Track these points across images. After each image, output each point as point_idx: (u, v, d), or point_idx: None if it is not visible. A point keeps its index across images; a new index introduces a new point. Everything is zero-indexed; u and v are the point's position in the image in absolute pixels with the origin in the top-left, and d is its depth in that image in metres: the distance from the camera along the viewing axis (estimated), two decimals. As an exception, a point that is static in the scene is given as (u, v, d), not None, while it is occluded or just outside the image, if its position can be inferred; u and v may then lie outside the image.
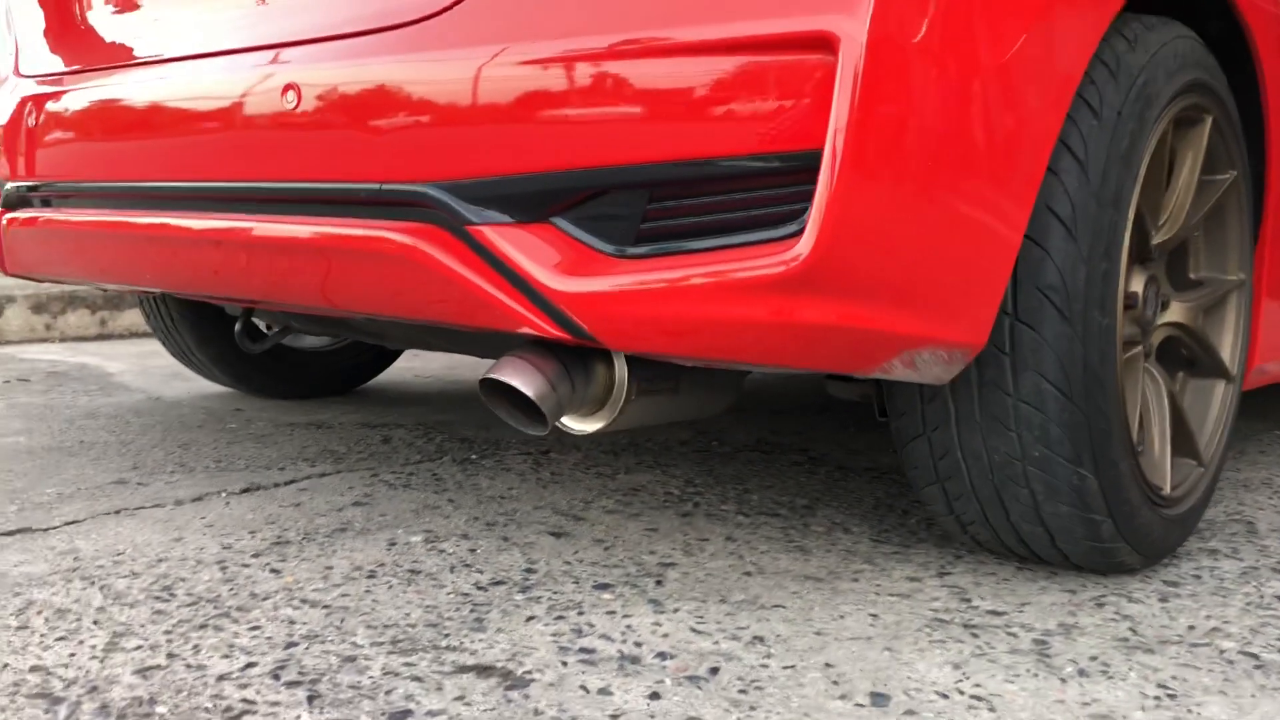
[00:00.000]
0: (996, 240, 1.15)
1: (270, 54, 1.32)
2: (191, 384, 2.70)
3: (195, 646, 1.13)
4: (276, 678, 1.06)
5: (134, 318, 3.68)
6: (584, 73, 1.10)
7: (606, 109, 1.09)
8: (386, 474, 1.84)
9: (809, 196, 1.04)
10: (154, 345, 3.42)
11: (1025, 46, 1.13)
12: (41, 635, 1.15)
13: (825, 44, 1.01)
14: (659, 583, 1.34)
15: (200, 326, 2.35)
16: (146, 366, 2.97)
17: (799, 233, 1.05)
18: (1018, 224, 1.16)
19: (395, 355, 2.73)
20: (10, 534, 1.49)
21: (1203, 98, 1.43)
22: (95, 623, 1.19)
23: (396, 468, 1.89)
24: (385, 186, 1.21)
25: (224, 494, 1.70)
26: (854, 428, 2.33)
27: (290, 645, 1.14)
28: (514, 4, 1.15)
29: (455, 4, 1.17)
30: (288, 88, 1.27)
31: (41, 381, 2.70)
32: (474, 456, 1.98)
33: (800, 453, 2.09)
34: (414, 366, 3.09)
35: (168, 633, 1.17)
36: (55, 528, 1.52)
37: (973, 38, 1.08)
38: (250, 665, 1.09)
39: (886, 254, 1.07)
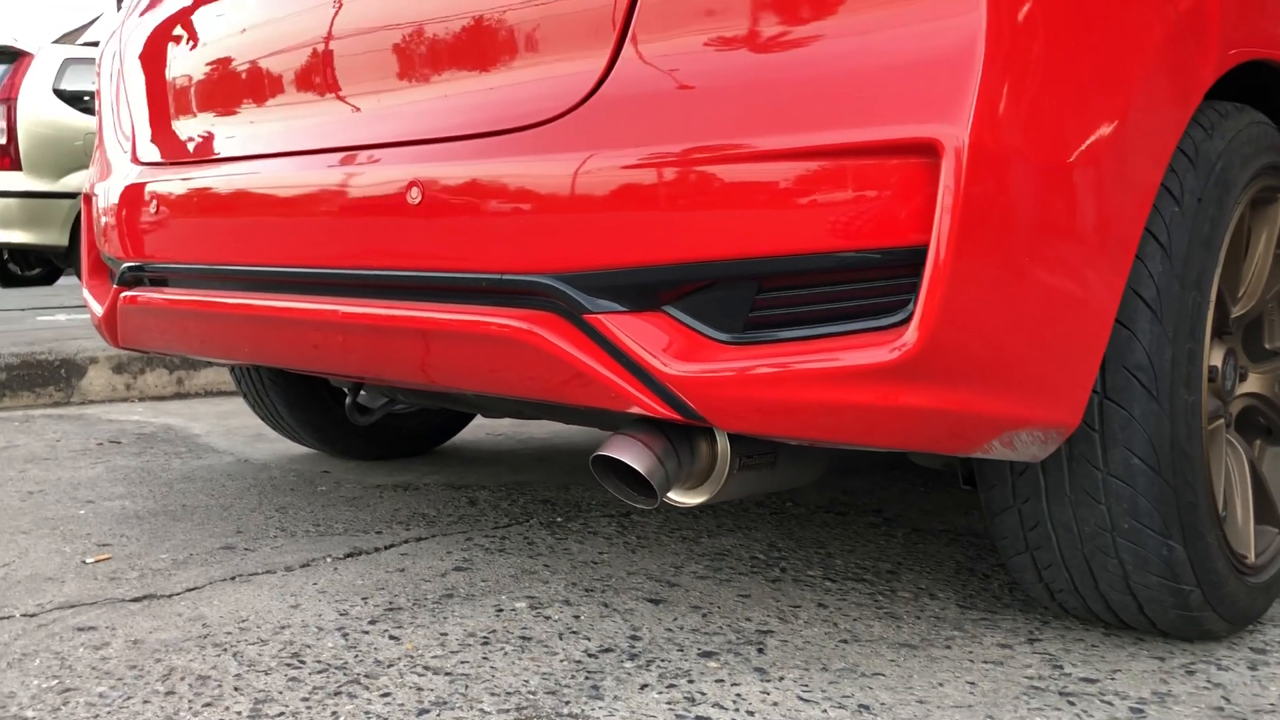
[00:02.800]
0: (1089, 325, 1.21)
1: (395, 151, 1.41)
2: (275, 445, 2.80)
3: (334, 713, 1.20)
4: (415, 744, 1.13)
5: (209, 377, 3.80)
6: (697, 173, 1.17)
7: (719, 207, 1.17)
8: (480, 538, 1.91)
9: (914, 288, 1.11)
10: (231, 404, 3.53)
11: (1114, 143, 1.19)
12: (189, 701, 1.23)
13: (930, 149, 1.08)
14: (760, 650, 1.40)
15: (289, 392, 2.45)
16: (229, 427, 3.07)
17: (905, 322, 1.11)
18: (1109, 309, 1.22)
19: (471, 418, 2.81)
20: (138, 600, 1.58)
21: (1276, 179, 1.49)
22: (236, 689, 1.26)
23: (488, 531, 1.96)
24: (506, 277, 1.29)
25: (329, 559, 1.78)
26: (924, 487, 2.38)
27: (423, 712, 1.20)
28: (629, 109, 1.23)
29: (574, 109, 1.26)
30: (412, 184, 1.36)
31: (133, 444, 2.81)
32: (559, 519, 2.05)
33: (875, 513, 2.14)
34: (485, 425, 3.17)
35: (305, 699, 1.24)
36: (178, 594, 1.61)
37: (1065, 139, 1.15)
38: (388, 732, 1.16)
39: (988, 341, 1.13)
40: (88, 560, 1.78)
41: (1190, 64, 1.30)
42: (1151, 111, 1.25)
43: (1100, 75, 1.19)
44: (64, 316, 5.03)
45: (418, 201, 1.36)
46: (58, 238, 7.55)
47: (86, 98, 7.68)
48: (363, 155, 1.47)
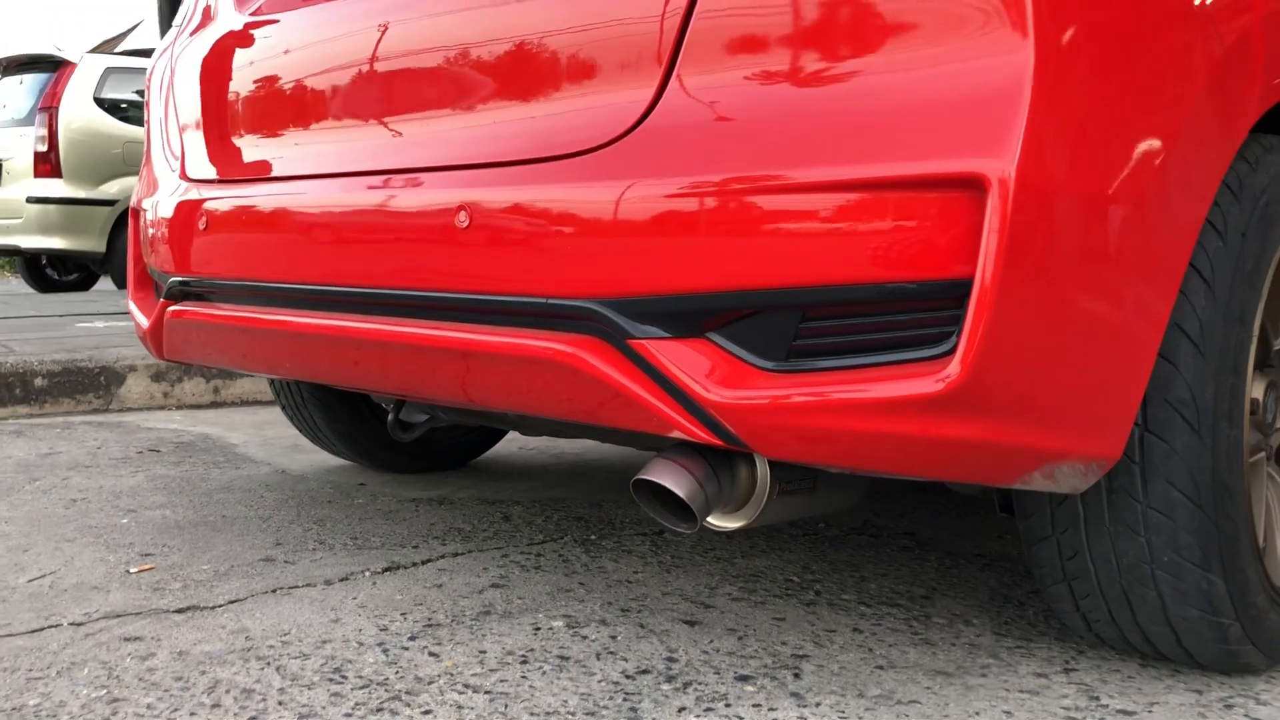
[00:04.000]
0: (1132, 359, 1.21)
1: (444, 175, 1.43)
2: (312, 456, 2.83)
3: (376, 730, 1.22)
4: (457, 763, 1.15)
5: (245, 386, 3.85)
6: (743, 203, 1.19)
7: (765, 236, 1.18)
8: (515, 554, 1.93)
9: (959, 320, 1.11)
10: (267, 414, 3.57)
11: (1159, 178, 1.20)
12: (234, 714, 1.25)
13: (977, 184, 1.09)
14: (796, 675, 1.41)
15: (328, 405, 2.48)
16: (266, 437, 3.11)
17: (949, 353, 1.12)
18: (1152, 343, 1.23)
19: (505, 433, 2.83)
20: (181, 611, 1.60)
21: (1320, 212, 1.49)
22: (280, 704, 1.28)
23: (523, 547, 1.98)
24: (551, 301, 1.31)
25: (368, 573, 1.80)
26: (956, 511, 2.37)
27: (463, 731, 1.22)
28: (676, 139, 1.25)
29: (622, 138, 1.27)
30: (460, 207, 1.38)
31: (172, 453, 2.85)
32: (594, 537, 2.06)
33: (907, 536, 2.14)
34: (518, 439, 3.19)
35: (348, 715, 1.26)
36: (220, 606, 1.63)
37: (1109, 174, 1.16)
38: (431, 750, 1.17)
39: (1031, 374, 1.14)
40: (132, 570, 1.81)
41: (1235, 97, 1.31)
42: (1196, 146, 1.25)
43: (1145, 110, 1.19)
44: (102, 324, 5.10)
45: (465, 225, 1.38)
46: (96, 244, 7.66)
47: (125, 105, 7.79)
48: (411, 178, 1.49)
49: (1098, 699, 1.36)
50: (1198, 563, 1.31)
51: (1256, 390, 1.46)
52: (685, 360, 1.24)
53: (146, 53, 8.59)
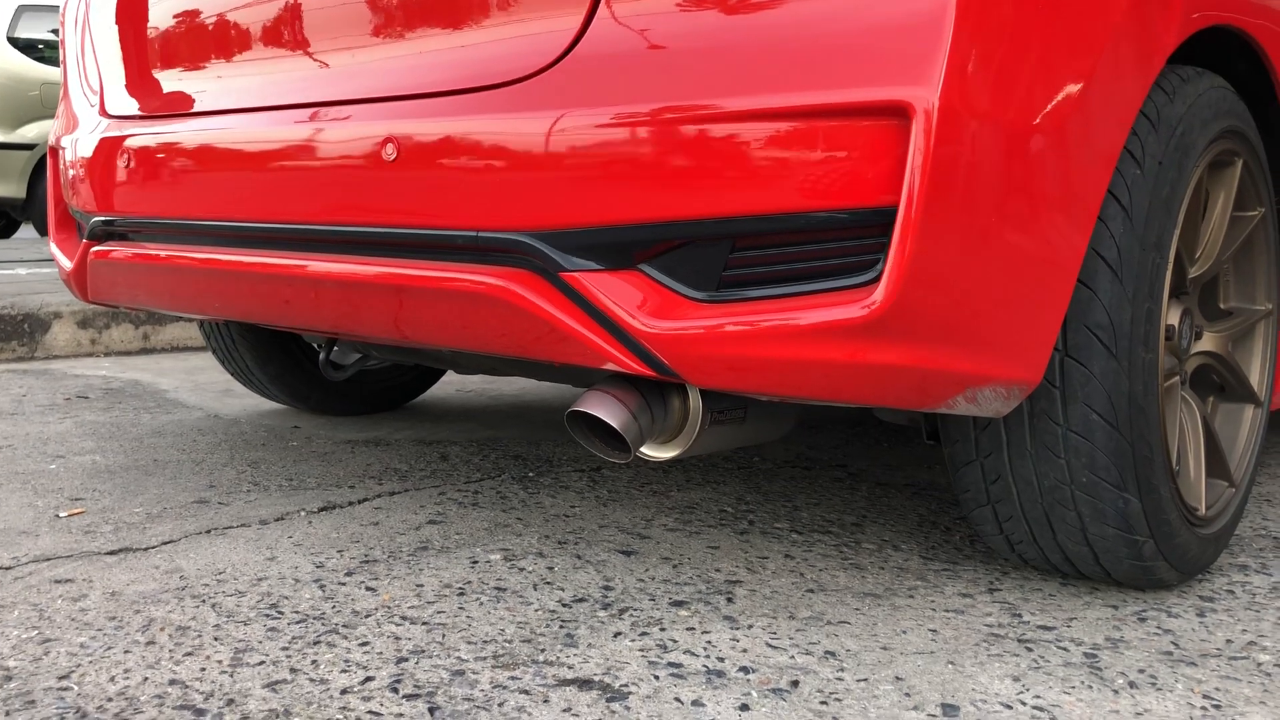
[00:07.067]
0: (1052, 284, 1.24)
1: (371, 107, 1.41)
2: (244, 400, 2.80)
3: (314, 662, 1.23)
4: (395, 691, 1.16)
5: (175, 332, 3.78)
6: (672, 133, 1.19)
7: (693, 166, 1.18)
8: (453, 492, 1.94)
9: (884, 248, 1.13)
10: (198, 360, 3.52)
11: (1079, 107, 1.22)
12: (170, 651, 1.25)
13: (901, 111, 1.10)
14: (730, 600, 1.44)
15: (259, 347, 2.45)
16: (198, 383, 3.07)
17: (875, 280, 1.14)
18: (1072, 269, 1.26)
19: (442, 373, 2.83)
20: (114, 553, 1.59)
21: (1234, 143, 1.53)
22: (216, 639, 1.29)
23: (461, 485, 1.98)
24: (482, 234, 1.31)
25: (304, 513, 1.80)
26: (887, 443, 2.42)
27: (401, 660, 1.23)
28: (603, 68, 1.24)
29: (549, 67, 1.27)
30: (387, 140, 1.37)
31: (101, 399, 2.80)
32: (531, 474, 2.08)
33: (840, 468, 2.18)
34: (455, 380, 3.19)
35: (285, 649, 1.26)
36: (154, 547, 1.62)
37: (1031, 103, 1.17)
38: (369, 679, 1.18)
39: (954, 300, 1.17)
40: (61, 514, 1.78)
41: (1154, 30, 1.33)
42: (1116, 76, 1.28)
43: (1066, 40, 1.21)
44: (24, 270, 4.97)
45: (393, 158, 1.36)
46: (15, 190, 7.43)
47: (41, 45, 7.53)
48: (338, 111, 1.47)
49: (1019, 616, 1.41)
50: (1114, 483, 1.36)
51: (1172, 316, 1.50)
52: (617, 292, 1.25)
53: (62, -10, 8.28)
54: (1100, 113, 1.26)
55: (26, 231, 9.05)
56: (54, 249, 2.10)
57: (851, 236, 1.16)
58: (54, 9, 7.59)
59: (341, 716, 1.10)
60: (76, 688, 1.16)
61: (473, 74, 1.32)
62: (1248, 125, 1.56)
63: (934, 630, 1.35)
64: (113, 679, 1.18)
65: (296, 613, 1.37)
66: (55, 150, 2.06)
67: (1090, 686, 1.20)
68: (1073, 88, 1.22)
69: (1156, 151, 1.35)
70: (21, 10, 7.53)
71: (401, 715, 1.11)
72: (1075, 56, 1.22)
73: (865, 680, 1.21)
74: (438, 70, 1.37)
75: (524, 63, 1.28)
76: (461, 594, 1.44)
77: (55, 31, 7.52)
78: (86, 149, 1.89)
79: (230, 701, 1.13)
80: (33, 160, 7.42)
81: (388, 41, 1.44)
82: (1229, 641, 1.34)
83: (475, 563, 1.56)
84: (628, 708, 1.13)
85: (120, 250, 1.86)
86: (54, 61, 7.44)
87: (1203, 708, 1.16)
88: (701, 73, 1.18)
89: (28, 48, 7.48)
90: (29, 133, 7.41)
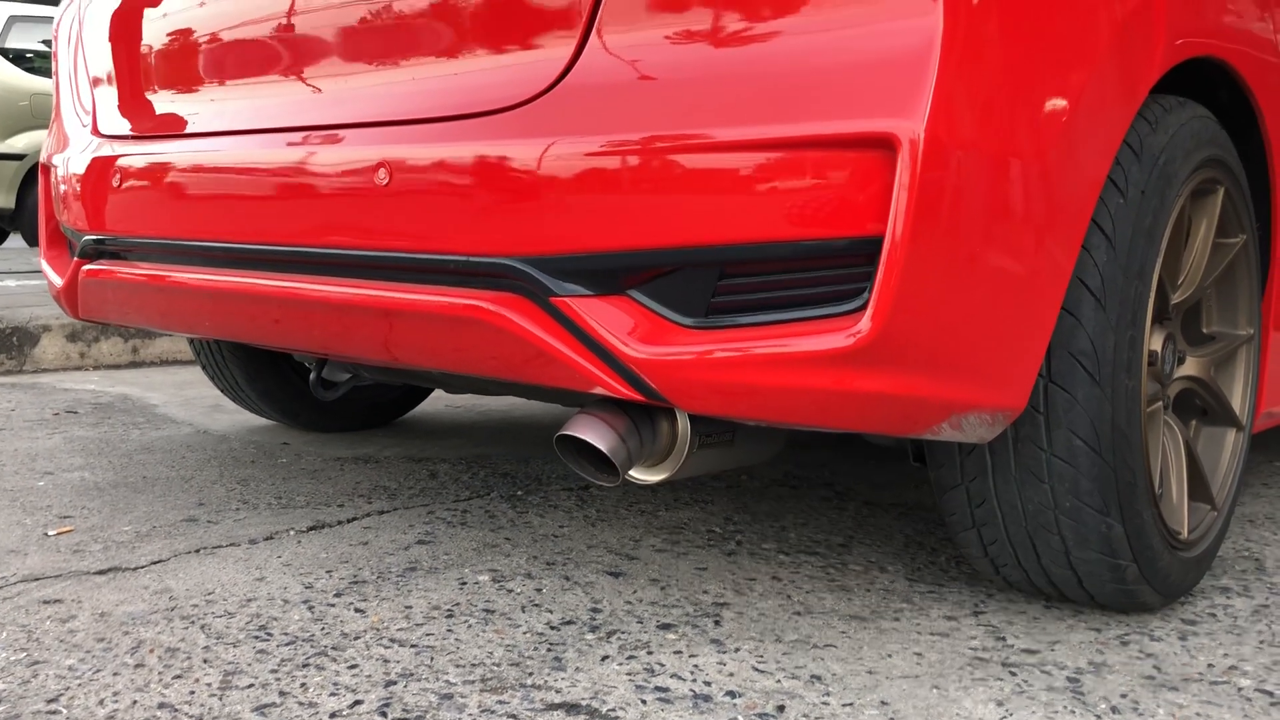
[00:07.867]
0: (1037, 312, 1.26)
1: (365, 132, 1.42)
2: (234, 416, 2.80)
3: (303, 685, 1.23)
4: (384, 715, 1.16)
5: (164, 346, 3.78)
6: (662, 161, 1.20)
7: (683, 194, 1.20)
8: (442, 511, 1.94)
9: (870, 277, 1.15)
10: (187, 374, 3.52)
11: (1063, 138, 1.24)
12: (159, 673, 1.25)
13: (887, 143, 1.12)
14: (717, 622, 1.45)
15: (249, 364, 2.45)
16: (187, 398, 3.07)
17: (861, 309, 1.15)
18: (1056, 297, 1.27)
19: (430, 391, 2.83)
20: (103, 573, 1.59)
21: (1216, 171, 1.55)
22: (205, 661, 1.29)
23: (449, 504, 1.99)
24: (473, 259, 1.32)
25: (293, 532, 1.80)
26: (875, 462, 2.44)
27: (390, 684, 1.24)
28: (594, 97, 1.26)
29: (541, 95, 1.28)
30: (380, 164, 1.38)
31: (90, 414, 2.80)
32: (520, 493, 2.08)
33: (826, 487, 2.19)
34: (444, 397, 3.19)
35: (274, 671, 1.27)
36: (143, 567, 1.62)
37: (1016, 134, 1.19)
38: (357, 703, 1.19)
39: (939, 328, 1.18)
40: (50, 532, 1.79)
41: (1137, 61, 1.35)
42: (1099, 107, 1.30)
43: (1051, 72, 1.23)
44: (14, 282, 4.96)
45: (385, 182, 1.37)
46: (4, 200, 7.42)
47: (31, 56, 7.53)
48: (331, 135, 1.48)
49: (1004, 639, 1.42)
50: (1098, 508, 1.37)
51: (1155, 342, 1.52)
52: (607, 317, 1.26)
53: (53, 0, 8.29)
54: (1084, 143, 1.28)
55: (15, 241, 9.02)
56: (45, 266, 2.10)
57: (838, 265, 1.18)
58: (46, 20, 7.59)
59: (330, 741, 1.11)
60: (65, 711, 1.16)
61: (466, 100, 1.34)
62: (1229, 153, 1.58)
63: (919, 654, 1.36)
64: (101, 702, 1.18)
65: (285, 634, 1.37)
66: (47, 168, 2.07)
67: (1073, 712, 1.22)
68: (1057, 119, 1.23)
69: (1140, 181, 1.37)
70: (13, 20, 7.54)
71: (390, 739, 1.11)
72: (1059, 88, 1.24)
73: (850, 705, 1.22)
74: (431, 96, 1.38)
75: (517, 90, 1.30)
76: (450, 616, 1.45)
77: (47, 42, 7.51)
78: (79, 168, 1.90)
79: (219, 725, 1.13)
80: (22, 170, 7.41)
81: (382, 67, 1.46)
82: (1210, 665, 1.35)
83: (464, 584, 1.57)
84: (615, 732, 1.14)
85: (111, 269, 1.86)
86: (45, 72, 7.43)
87: (1184, 733, 1.18)
88: (691, 103, 1.19)
89: (18, 58, 7.47)
90: (18, 143, 7.40)
